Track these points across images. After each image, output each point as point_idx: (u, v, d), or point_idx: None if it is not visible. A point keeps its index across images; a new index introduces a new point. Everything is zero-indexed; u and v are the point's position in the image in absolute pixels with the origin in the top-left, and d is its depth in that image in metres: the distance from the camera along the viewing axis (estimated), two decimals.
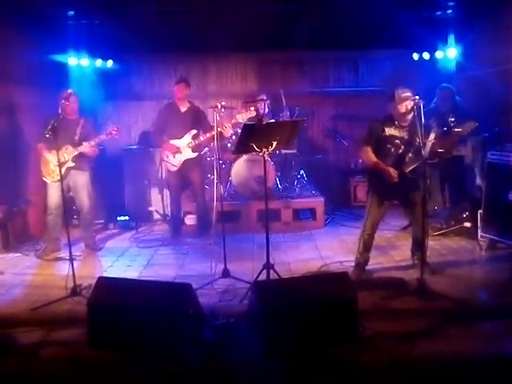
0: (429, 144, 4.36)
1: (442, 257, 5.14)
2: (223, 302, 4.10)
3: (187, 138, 5.68)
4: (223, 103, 4.84)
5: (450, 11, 6.50)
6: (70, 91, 5.30)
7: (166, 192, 6.70)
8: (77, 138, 5.43)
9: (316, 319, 3.31)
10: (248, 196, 6.57)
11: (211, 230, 5.09)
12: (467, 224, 5.66)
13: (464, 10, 6.44)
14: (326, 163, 8.11)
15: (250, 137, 4.14)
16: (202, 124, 5.78)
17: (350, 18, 6.88)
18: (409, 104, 4.28)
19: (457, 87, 6.22)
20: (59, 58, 7.12)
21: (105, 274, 4.79)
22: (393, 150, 4.47)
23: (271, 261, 4.27)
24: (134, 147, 7.61)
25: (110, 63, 7.74)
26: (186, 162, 5.75)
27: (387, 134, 4.46)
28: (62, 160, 5.32)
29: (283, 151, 7.01)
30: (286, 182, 7.23)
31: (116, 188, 7.26)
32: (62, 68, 7.23)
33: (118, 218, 6.93)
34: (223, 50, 8.09)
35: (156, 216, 7.21)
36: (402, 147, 4.44)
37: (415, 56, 7.59)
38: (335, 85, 8.47)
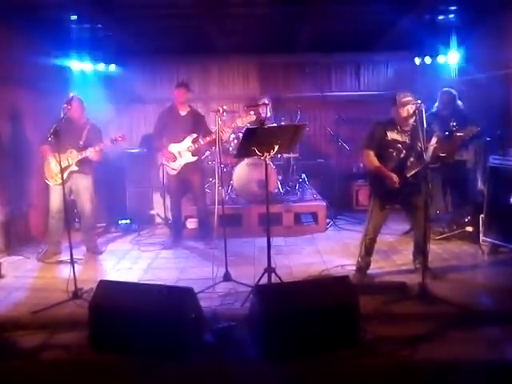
0: (431, 148, 4.36)
1: (444, 261, 5.13)
2: (224, 306, 4.09)
3: (187, 142, 5.68)
4: (225, 107, 4.83)
5: (452, 15, 6.50)
6: (72, 95, 5.32)
7: (168, 195, 6.70)
8: (82, 142, 5.44)
9: (317, 323, 3.31)
10: (249, 200, 6.57)
11: (212, 234, 5.08)
12: (469, 228, 5.66)
13: (466, 15, 6.44)
14: (328, 167, 8.12)
15: (252, 141, 4.14)
16: (201, 128, 5.78)
17: (352, 22, 6.88)
18: (410, 108, 4.28)
19: (458, 91, 6.22)
20: (62, 61, 7.16)
21: (106, 278, 4.78)
22: (395, 154, 4.47)
23: (273, 265, 4.26)
24: (136, 150, 7.62)
25: (112, 67, 7.77)
26: (186, 165, 5.75)
27: (389, 138, 4.46)
28: (66, 164, 5.37)
29: (285, 155, 7.02)
30: (287, 185, 7.24)
31: (118, 191, 7.27)
32: (65, 72, 7.26)
33: (120, 222, 6.93)
34: (225, 52, 8.13)
35: (158, 219, 7.22)
36: (404, 151, 4.44)
37: (417, 60, 7.59)
38: (337, 88, 8.49)
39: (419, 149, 4.22)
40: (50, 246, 5.61)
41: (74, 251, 4.41)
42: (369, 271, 4.72)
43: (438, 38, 7.06)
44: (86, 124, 5.56)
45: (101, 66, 7.65)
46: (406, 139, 4.45)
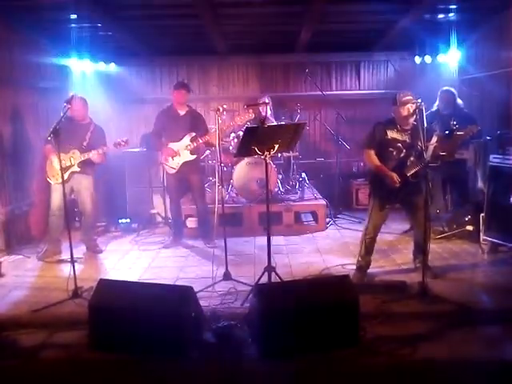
0: (431, 147, 4.36)
1: (444, 260, 5.13)
2: (224, 305, 4.08)
3: (186, 141, 5.67)
4: (225, 106, 4.83)
5: (452, 15, 6.51)
6: (72, 94, 5.32)
7: (167, 195, 6.69)
8: (85, 143, 5.44)
9: (317, 322, 3.31)
10: (249, 199, 6.57)
11: (212, 233, 5.09)
12: (469, 227, 5.66)
13: (466, 14, 6.44)
14: (328, 166, 8.12)
15: (252, 140, 4.14)
16: (199, 127, 5.78)
17: (352, 21, 6.89)
18: (410, 107, 4.28)
19: (459, 90, 6.22)
20: (62, 61, 7.16)
21: (106, 277, 4.78)
22: (395, 153, 4.47)
23: (273, 264, 4.26)
24: (136, 150, 7.62)
25: (112, 66, 7.78)
26: (185, 164, 5.74)
27: (389, 137, 4.46)
28: (68, 164, 5.38)
29: (285, 154, 7.02)
30: (287, 184, 7.24)
31: (118, 190, 7.26)
32: (65, 71, 7.27)
33: (120, 221, 6.93)
34: (225, 52, 8.12)
35: (158, 219, 7.22)
36: (404, 151, 4.44)
37: (417, 59, 7.60)
38: (337, 88, 8.49)
39: (419, 148, 4.22)
40: (50, 244, 5.61)
41: (74, 250, 4.41)
42: (369, 270, 4.72)
43: (438, 38, 7.08)
44: (89, 125, 5.56)
45: (101, 66, 7.66)
46: (406, 138, 4.45)
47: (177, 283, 4.59)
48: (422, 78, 7.44)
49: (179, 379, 3.17)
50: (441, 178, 6.04)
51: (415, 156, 4.41)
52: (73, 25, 6.44)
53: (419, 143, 4.18)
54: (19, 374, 3.26)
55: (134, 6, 5.89)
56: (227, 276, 4.53)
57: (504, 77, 6.04)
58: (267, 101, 6.76)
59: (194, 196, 6.08)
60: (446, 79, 7.08)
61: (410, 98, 4.29)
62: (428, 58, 7.43)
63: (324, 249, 5.78)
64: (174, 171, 5.79)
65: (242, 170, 6.49)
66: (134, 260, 5.57)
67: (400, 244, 5.77)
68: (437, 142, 4.39)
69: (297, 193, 7.13)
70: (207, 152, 7.07)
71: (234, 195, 6.81)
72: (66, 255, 5.20)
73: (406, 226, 6.00)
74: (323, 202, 6.84)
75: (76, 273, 4.31)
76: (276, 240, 5.75)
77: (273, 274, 4.24)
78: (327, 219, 6.87)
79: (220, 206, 4.66)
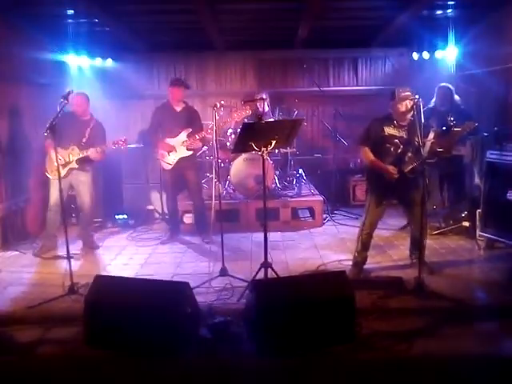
0: (428, 143, 4.36)
1: (441, 256, 5.14)
2: (221, 301, 4.09)
3: (182, 136, 5.66)
4: (222, 102, 4.83)
5: (450, 11, 6.50)
6: (69, 90, 5.28)
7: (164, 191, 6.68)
8: (84, 140, 5.43)
9: (313, 318, 3.30)
10: (247, 195, 6.57)
11: (209, 229, 5.08)
12: (466, 223, 5.67)
13: (464, 10, 6.44)
14: (325, 162, 8.12)
15: (249, 136, 4.13)
16: (195, 124, 5.76)
17: (350, 17, 6.88)
18: (408, 103, 4.27)
19: (456, 87, 6.21)
20: (59, 56, 7.13)
21: (102, 273, 4.79)
22: (392, 149, 4.46)
23: (269, 260, 4.26)
24: (133, 146, 7.59)
25: (109, 62, 7.75)
26: (181, 160, 5.73)
27: (386, 133, 4.45)
28: (67, 160, 5.37)
29: (282, 150, 7.02)
30: (284, 181, 7.24)
31: (115, 186, 7.25)
32: (62, 67, 7.24)
33: (117, 217, 6.92)
34: (222, 48, 8.10)
35: (155, 215, 7.21)
36: (401, 147, 4.44)
37: (415, 55, 7.60)
38: (335, 84, 8.48)
39: (417, 144, 4.22)
40: (47, 239, 5.61)
41: (70, 246, 4.41)
42: (365, 266, 4.72)
43: (435, 34, 7.07)
44: (90, 121, 5.54)
45: (98, 61, 7.64)
46: (404, 134, 4.44)
47: (173, 279, 4.60)
48: (420, 74, 7.43)
49: (175, 375, 3.17)
50: (438, 174, 6.04)
51: (412, 152, 4.41)
52: (70, 20, 6.44)
53: (416, 139, 4.17)
54: (15, 370, 3.26)
55: (131, 2, 5.87)
56: (224, 272, 4.53)
57: (502, 73, 6.03)
58: (265, 97, 6.75)
59: (190, 192, 6.07)
60: (444, 75, 7.07)
61: (409, 94, 4.28)
62: (426, 55, 7.42)
63: (321, 245, 5.78)
64: (170, 167, 5.78)
65: (240, 166, 6.49)
66: (130, 256, 5.57)
67: (396, 240, 5.78)
68: (434, 138, 4.39)
69: (294, 189, 7.13)
70: (204, 148, 7.05)
71: (231, 191, 6.80)
72: (62, 251, 5.19)
73: (403, 222, 6.00)
74: (320, 198, 6.85)
75: (72, 269, 4.30)
76: (273, 236, 5.74)
77: (269, 269, 4.25)
78: (324, 215, 6.87)
79: (217, 201, 4.66)
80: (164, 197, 6.53)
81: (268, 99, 7.01)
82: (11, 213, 5.99)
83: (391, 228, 6.18)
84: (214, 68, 8.47)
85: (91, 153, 5.35)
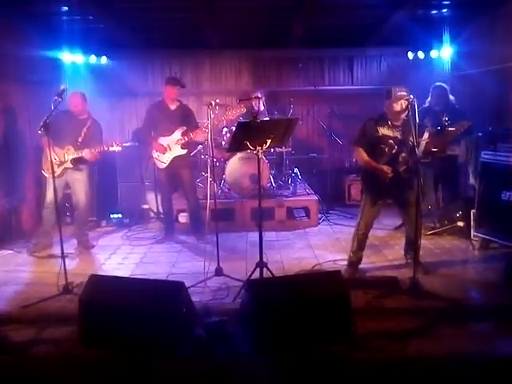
0: (423, 143, 4.37)
1: (435, 256, 5.15)
2: (216, 300, 4.08)
3: (177, 135, 5.65)
4: (217, 101, 4.81)
5: (445, 10, 6.52)
6: (63, 87, 5.25)
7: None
8: (80, 139, 5.41)
9: (309, 318, 3.31)
10: (242, 194, 6.56)
11: (204, 228, 5.07)
12: (460, 223, 5.68)
13: (459, 10, 6.45)
14: (321, 162, 8.12)
15: (244, 135, 4.13)
16: (190, 122, 5.75)
17: (345, 17, 6.88)
18: (404, 103, 4.27)
19: (451, 86, 6.23)
20: (53, 54, 7.09)
21: (97, 272, 4.76)
22: (386, 149, 4.46)
23: (265, 259, 4.26)
24: (128, 144, 7.56)
25: (103, 59, 7.72)
26: (175, 159, 5.71)
27: (380, 134, 4.45)
28: (62, 159, 5.36)
29: (277, 149, 7.01)
30: (280, 180, 7.23)
31: (109, 185, 7.22)
32: (56, 64, 7.20)
33: (111, 216, 6.90)
34: (217, 47, 8.08)
35: (150, 213, 7.19)
36: (396, 147, 4.43)
37: (410, 55, 7.61)
38: (330, 83, 8.48)
39: (411, 144, 4.22)
40: (42, 237, 5.59)
41: (64, 245, 4.39)
42: (360, 266, 4.73)
43: (431, 33, 7.08)
44: (87, 120, 5.52)
45: (92, 59, 7.60)
46: (398, 134, 4.44)
47: (168, 279, 4.58)
48: (415, 74, 7.44)
49: (170, 374, 3.16)
50: (432, 174, 6.04)
51: (407, 152, 4.41)
52: (64, 17, 6.39)
53: (411, 139, 4.17)
54: (9, 370, 3.24)
55: None
56: (219, 271, 4.52)
57: (496, 73, 6.06)
58: (260, 95, 6.73)
59: (185, 191, 6.05)
60: (439, 75, 7.09)
61: (405, 93, 4.28)
62: (421, 54, 7.44)
63: (316, 244, 5.79)
64: (164, 165, 5.76)
65: (235, 165, 6.48)
66: (125, 255, 5.55)
67: (391, 240, 5.79)
68: (429, 137, 4.40)
69: (289, 188, 7.13)
70: (200, 147, 7.04)
71: (227, 190, 6.79)
72: (56, 250, 5.16)
73: (398, 222, 6.00)
74: (315, 197, 6.85)
75: (67, 268, 4.28)
76: (268, 235, 5.74)
77: (265, 269, 4.24)
78: (319, 215, 6.87)
79: (212, 201, 4.65)
80: (159, 195, 6.52)
81: (263, 98, 7.00)
82: (5, 212, 5.96)
83: (386, 228, 6.19)
84: (209, 66, 8.46)
85: (86, 154, 5.33)
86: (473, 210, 5.31)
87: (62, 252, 4.31)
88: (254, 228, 5.30)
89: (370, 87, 8.20)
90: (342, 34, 7.68)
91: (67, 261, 4.39)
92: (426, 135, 4.40)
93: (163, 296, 3.40)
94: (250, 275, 4.27)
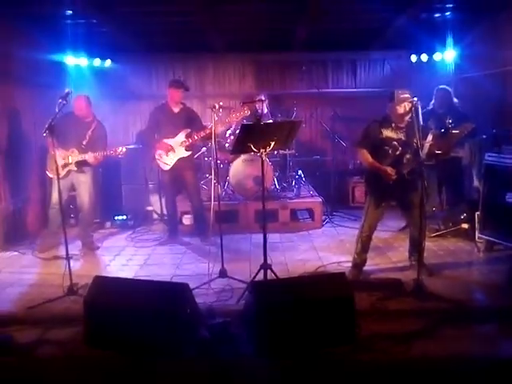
0: (426, 145, 4.37)
1: (440, 258, 5.14)
2: (220, 302, 4.09)
3: (181, 137, 5.66)
4: (221, 103, 4.82)
5: (448, 14, 6.52)
6: (67, 90, 5.29)
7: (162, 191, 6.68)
8: (85, 142, 5.45)
9: (313, 319, 3.31)
10: (246, 196, 6.57)
11: (208, 230, 5.08)
12: (465, 225, 5.67)
13: (462, 13, 6.45)
14: (324, 164, 8.14)
15: (248, 137, 4.14)
16: (194, 124, 5.76)
17: (349, 21, 6.89)
18: (407, 105, 4.28)
19: (454, 89, 6.24)
20: (57, 57, 7.13)
21: (102, 273, 4.78)
22: (390, 151, 4.46)
23: (269, 261, 4.27)
24: (132, 146, 7.59)
25: (107, 63, 7.75)
26: (179, 161, 5.73)
27: (384, 135, 4.45)
28: (66, 161, 5.40)
29: (281, 151, 7.02)
30: (283, 182, 7.24)
31: (113, 187, 7.24)
32: (61, 67, 7.24)
33: (116, 218, 6.92)
34: (221, 50, 8.11)
35: (154, 215, 7.21)
36: (400, 149, 4.44)
37: (413, 58, 7.61)
38: (334, 86, 8.50)
39: (415, 146, 4.22)
40: (49, 236, 5.63)
41: (69, 247, 4.41)
42: (364, 268, 4.73)
43: (434, 36, 7.09)
44: (91, 122, 5.56)
45: (96, 62, 7.64)
46: (402, 136, 4.45)
47: (173, 280, 4.59)
48: (418, 77, 7.46)
49: (174, 376, 3.17)
50: (436, 176, 6.04)
51: (411, 154, 4.41)
52: (68, 21, 6.42)
53: (415, 141, 4.17)
54: (15, 371, 3.25)
55: (129, 3, 5.88)
56: (223, 273, 4.53)
57: (500, 76, 6.06)
58: (264, 98, 6.74)
59: (188, 193, 6.07)
60: (442, 78, 7.10)
61: (408, 96, 4.29)
62: (424, 57, 7.45)
63: (320, 246, 5.79)
64: (168, 167, 5.78)
65: (238, 167, 6.49)
66: (129, 257, 5.57)
67: (395, 242, 5.79)
68: (432, 140, 4.40)
69: (293, 190, 7.14)
70: (203, 149, 7.06)
71: (230, 192, 6.80)
72: (61, 251, 5.19)
73: (402, 224, 6.01)
74: (319, 199, 6.85)
75: (71, 269, 4.30)
76: (272, 237, 5.75)
77: (268, 271, 4.25)
78: (323, 217, 6.87)
79: (216, 203, 4.65)
80: (163, 198, 6.54)
81: (267, 101, 7.02)
82: (10, 213, 5.98)
83: (390, 230, 6.19)
84: (212, 69, 8.49)
85: (89, 157, 5.37)
86: (477, 212, 5.30)
87: (67, 253, 4.33)
88: (258, 230, 5.32)
89: (373, 90, 8.20)
90: (345, 37, 7.70)
91: (72, 262, 4.41)
92: (429, 137, 4.40)
93: (167, 297, 3.40)
94: (254, 277, 4.28)
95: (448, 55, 7.17)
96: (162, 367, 3.21)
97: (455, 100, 6.03)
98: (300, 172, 7.44)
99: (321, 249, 5.67)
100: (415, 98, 4.16)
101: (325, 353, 3.30)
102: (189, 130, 5.67)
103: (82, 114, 5.50)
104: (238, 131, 4.93)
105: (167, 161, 5.75)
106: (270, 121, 6.65)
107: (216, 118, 4.67)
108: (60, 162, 5.26)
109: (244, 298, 3.96)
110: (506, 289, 4.27)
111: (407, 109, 4.28)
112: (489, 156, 5.18)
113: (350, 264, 4.77)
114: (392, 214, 5.42)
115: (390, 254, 5.37)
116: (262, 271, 4.23)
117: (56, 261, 5.31)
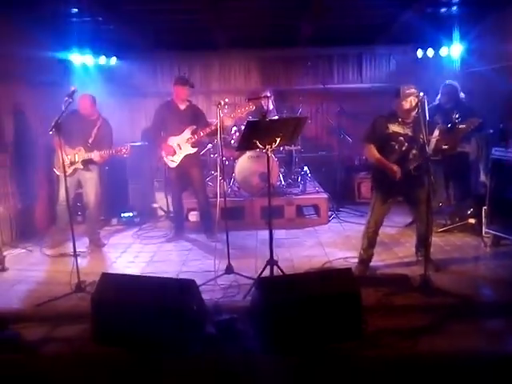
0: (433, 141, 4.34)
1: (446, 253, 5.13)
2: (226, 298, 4.10)
3: (187, 134, 5.67)
4: (227, 100, 4.82)
5: (454, 8, 6.48)
6: (73, 88, 5.30)
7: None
8: (91, 140, 5.49)
9: (319, 315, 3.31)
10: (251, 192, 6.57)
11: (214, 227, 5.09)
12: (472, 220, 5.65)
13: (468, 7, 6.41)
14: (330, 160, 8.11)
15: (254, 133, 4.14)
16: (200, 121, 5.76)
17: (353, 17, 6.87)
18: (413, 100, 4.26)
19: (461, 84, 6.20)
20: (63, 55, 7.15)
21: (109, 270, 4.80)
22: (397, 147, 4.45)
23: (275, 257, 4.27)
24: (138, 144, 7.62)
25: (113, 60, 7.77)
26: (186, 158, 5.73)
27: (391, 130, 4.44)
28: (73, 160, 5.45)
29: (287, 148, 7.01)
30: (289, 178, 7.24)
31: (120, 184, 7.27)
32: (66, 65, 7.26)
33: (122, 215, 6.94)
34: (226, 47, 8.10)
35: (160, 212, 7.23)
36: (406, 144, 4.42)
37: (420, 53, 7.58)
38: (339, 81, 8.47)
39: (421, 141, 4.20)
40: (57, 233, 5.66)
41: (76, 244, 4.42)
42: (371, 263, 4.72)
43: (440, 31, 7.05)
44: (97, 120, 5.59)
45: (102, 60, 7.66)
46: (408, 131, 4.43)
47: (179, 277, 4.60)
48: (425, 72, 7.41)
49: (181, 372, 3.18)
50: (443, 171, 6.02)
51: (417, 149, 4.39)
52: (74, 19, 6.44)
53: (421, 136, 4.16)
54: (22, 368, 3.27)
55: (135, 1, 5.89)
56: (229, 269, 4.54)
57: (507, 70, 6.01)
58: (269, 94, 6.74)
59: (195, 189, 6.07)
60: (449, 73, 7.06)
61: (414, 91, 4.27)
62: (430, 52, 7.41)
63: (326, 242, 5.78)
64: (175, 165, 5.78)
65: (244, 163, 6.49)
66: (136, 254, 5.59)
67: (402, 237, 5.77)
68: (439, 135, 4.38)
69: (299, 186, 7.14)
70: (209, 146, 7.07)
71: (236, 189, 6.81)
72: (68, 248, 5.21)
73: (408, 220, 5.99)
74: (325, 195, 6.85)
75: (79, 267, 4.32)
76: (278, 233, 5.75)
77: (275, 267, 4.26)
78: (329, 213, 6.87)
79: (222, 199, 4.66)
80: (169, 195, 6.55)
81: (272, 97, 7.01)
82: (17, 211, 6.02)
83: (397, 225, 6.17)
84: (218, 66, 8.49)
85: (95, 156, 5.41)
86: (484, 207, 5.28)
87: (75, 251, 4.35)
88: (264, 226, 5.31)
89: (379, 85, 8.18)
90: (350, 33, 7.67)
91: (79, 259, 4.42)
92: (436, 132, 4.38)
93: (174, 294, 3.41)
94: (261, 273, 4.28)
95: (454, 50, 7.12)
96: (168, 364, 3.23)
97: (462, 95, 5.99)
98: (306, 168, 7.42)
99: (327, 245, 5.67)
100: (421, 93, 4.14)
101: (331, 349, 3.30)
102: (194, 127, 5.67)
103: (86, 112, 5.53)
104: (243, 128, 4.94)
105: (174, 158, 5.75)
106: (276, 117, 6.65)
107: (221, 115, 4.67)
108: (67, 161, 5.29)
109: (250, 294, 3.96)
110: None
111: (413, 104, 4.26)
112: (496, 151, 5.16)
113: (356, 260, 4.76)
114: (398, 209, 5.40)
115: (397, 249, 5.35)
116: (269, 267, 4.24)
117: (63, 258, 5.33)
